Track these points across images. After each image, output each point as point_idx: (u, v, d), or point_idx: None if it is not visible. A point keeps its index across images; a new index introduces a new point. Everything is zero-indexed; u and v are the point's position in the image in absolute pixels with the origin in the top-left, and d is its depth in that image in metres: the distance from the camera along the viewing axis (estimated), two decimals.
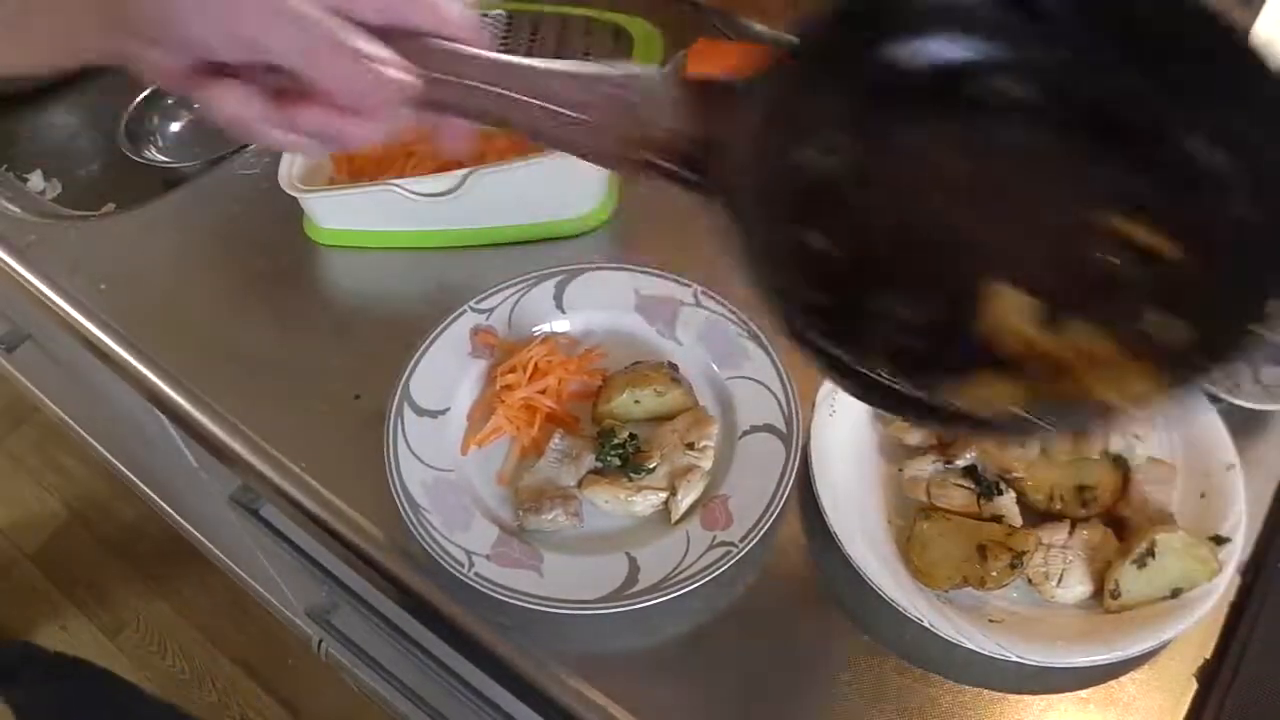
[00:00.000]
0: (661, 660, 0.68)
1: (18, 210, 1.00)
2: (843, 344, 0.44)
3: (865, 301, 0.47)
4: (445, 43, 0.47)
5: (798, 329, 0.45)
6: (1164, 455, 0.77)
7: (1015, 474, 0.73)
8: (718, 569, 0.68)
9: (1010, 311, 0.45)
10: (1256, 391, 0.80)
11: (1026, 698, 0.67)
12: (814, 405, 0.77)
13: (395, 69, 0.44)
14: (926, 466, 0.74)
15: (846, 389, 0.47)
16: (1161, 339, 0.44)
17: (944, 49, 0.51)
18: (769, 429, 0.76)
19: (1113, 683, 0.67)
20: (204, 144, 1.16)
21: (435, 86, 0.46)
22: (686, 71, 0.50)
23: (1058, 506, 0.73)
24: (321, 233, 0.94)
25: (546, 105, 0.46)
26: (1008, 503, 0.72)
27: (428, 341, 0.80)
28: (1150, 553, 0.68)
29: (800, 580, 0.72)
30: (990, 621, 0.68)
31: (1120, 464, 0.74)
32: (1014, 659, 0.65)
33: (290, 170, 0.90)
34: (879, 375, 0.43)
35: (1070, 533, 0.71)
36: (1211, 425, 0.77)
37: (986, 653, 0.65)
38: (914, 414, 0.47)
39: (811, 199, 0.49)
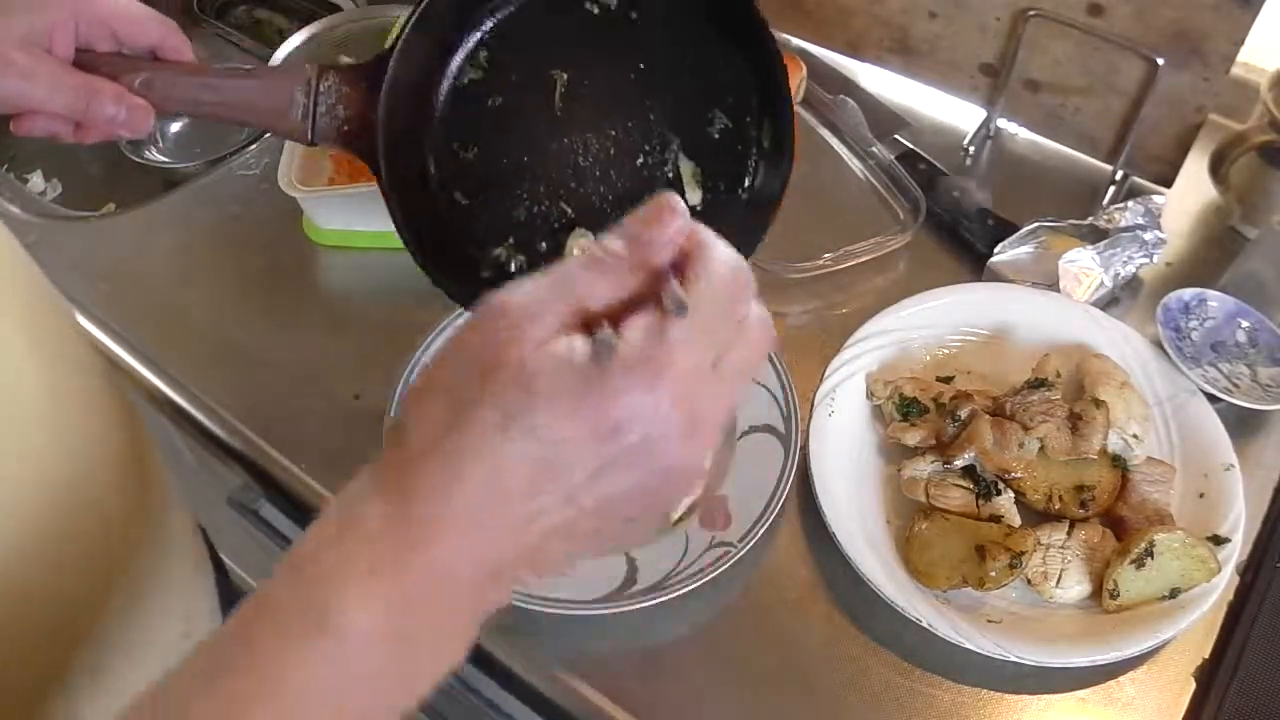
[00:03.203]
0: (661, 660, 0.68)
1: (18, 210, 1.00)
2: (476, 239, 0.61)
3: (493, 202, 0.62)
4: (158, 64, 0.58)
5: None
6: (1162, 455, 0.77)
7: (1014, 474, 0.73)
8: (716, 569, 0.68)
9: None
10: (1255, 391, 0.81)
11: (1025, 697, 0.67)
12: (813, 405, 0.77)
13: (109, 98, 0.56)
14: (925, 467, 0.74)
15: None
16: None
17: None
18: (768, 429, 0.76)
19: (1111, 683, 0.67)
20: (204, 144, 1.17)
21: (152, 97, 0.57)
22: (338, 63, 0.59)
23: (1056, 506, 0.73)
24: (320, 233, 0.94)
25: (242, 107, 0.58)
26: (1006, 503, 0.72)
27: (427, 341, 0.80)
28: (1149, 553, 0.68)
29: (799, 580, 0.72)
30: (989, 621, 0.68)
31: (1119, 464, 0.74)
32: (1013, 659, 0.65)
33: (289, 171, 0.90)
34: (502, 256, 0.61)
35: (1069, 533, 0.71)
36: (1210, 425, 0.77)
37: (985, 653, 0.65)
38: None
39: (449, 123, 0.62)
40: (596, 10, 0.61)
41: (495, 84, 0.61)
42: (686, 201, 0.60)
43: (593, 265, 0.37)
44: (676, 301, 0.35)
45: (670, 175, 0.62)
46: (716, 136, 0.61)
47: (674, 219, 0.37)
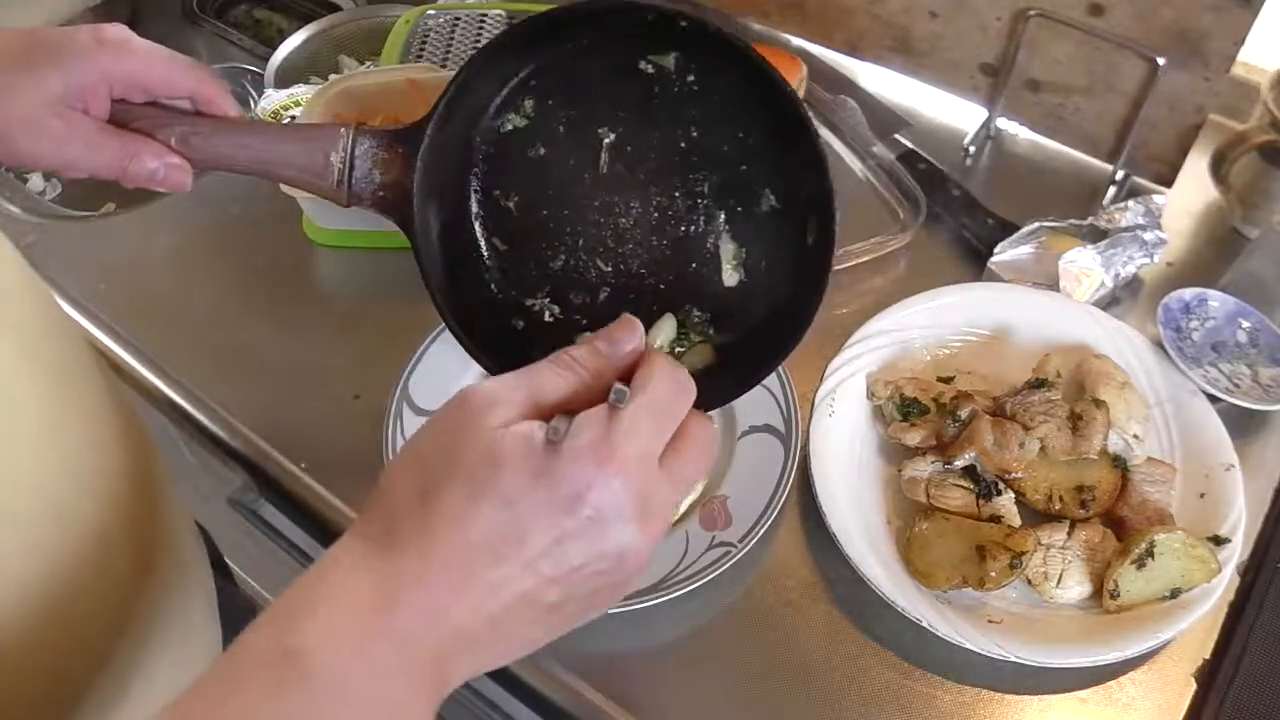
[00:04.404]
0: (661, 660, 0.68)
1: (18, 210, 1.00)
2: (512, 288, 0.61)
3: (532, 250, 0.61)
4: (194, 118, 0.58)
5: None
6: (1163, 455, 0.77)
7: (1014, 474, 0.73)
8: (716, 569, 0.68)
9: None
10: (1256, 391, 0.81)
11: (1026, 698, 0.67)
12: (813, 405, 0.77)
13: (148, 156, 0.55)
14: (925, 467, 0.74)
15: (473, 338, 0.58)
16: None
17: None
18: (768, 429, 0.76)
19: (1112, 683, 0.67)
20: None
21: (189, 153, 0.57)
22: (368, 125, 0.59)
23: (1056, 507, 0.73)
24: (321, 233, 0.94)
25: (277, 165, 0.58)
26: (1006, 503, 0.72)
27: (427, 341, 0.80)
28: (1149, 553, 0.68)
29: (800, 580, 0.72)
30: (989, 622, 0.68)
31: (1119, 464, 0.74)
32: (1013, 659, 0.65)
33: None
34: (535, 306, 0.60)
35: (1069, 533, 0.71)
36: (1211, 425, 0.77)
37: (986, 653, 0.65)
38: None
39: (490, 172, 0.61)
40: (651, 70, 0.58)
41: (539, 134, 0.60)
42: (723, 282, 0.59)
43: (556, 366, 0.42)
44: (618, 393, 0.40)
45: (711, 250, 0.59)
46: (764, 214, 0.58)
47: (631, 338, 0.44)
